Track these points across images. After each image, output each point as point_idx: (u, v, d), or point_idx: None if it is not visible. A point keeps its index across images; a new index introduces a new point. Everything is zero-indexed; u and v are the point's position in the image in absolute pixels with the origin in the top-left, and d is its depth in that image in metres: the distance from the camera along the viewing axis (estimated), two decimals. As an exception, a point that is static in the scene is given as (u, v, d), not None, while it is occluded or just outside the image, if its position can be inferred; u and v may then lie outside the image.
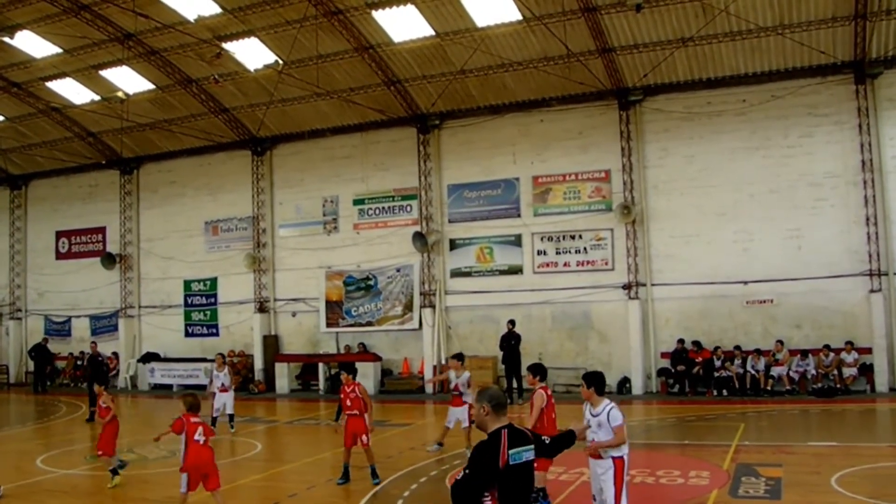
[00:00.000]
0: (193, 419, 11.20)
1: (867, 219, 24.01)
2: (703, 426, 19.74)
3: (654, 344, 26.04)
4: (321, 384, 29.33)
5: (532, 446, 5.90)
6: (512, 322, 25.67)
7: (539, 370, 12.37)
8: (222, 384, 20.39)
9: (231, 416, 20.47)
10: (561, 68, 25.32)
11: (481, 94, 27.66)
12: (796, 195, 24.82)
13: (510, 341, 25.36)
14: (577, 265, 26.96)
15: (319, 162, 30.66)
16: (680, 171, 25.99)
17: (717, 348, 24.85)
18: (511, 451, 5.70)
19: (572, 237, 27.05)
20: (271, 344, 31.19)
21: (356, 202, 30.07)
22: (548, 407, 11.84)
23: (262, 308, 31.39)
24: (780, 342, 24.28)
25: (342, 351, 29.80)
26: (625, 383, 25.96)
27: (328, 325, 30.26)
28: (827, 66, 24.42)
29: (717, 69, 25.31)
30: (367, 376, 28.31)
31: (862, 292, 24.06)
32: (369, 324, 29.66)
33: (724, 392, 24.35)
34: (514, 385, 25.01)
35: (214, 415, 19.83)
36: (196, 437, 11.06)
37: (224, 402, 20.29)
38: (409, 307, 29.01)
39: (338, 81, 27.44)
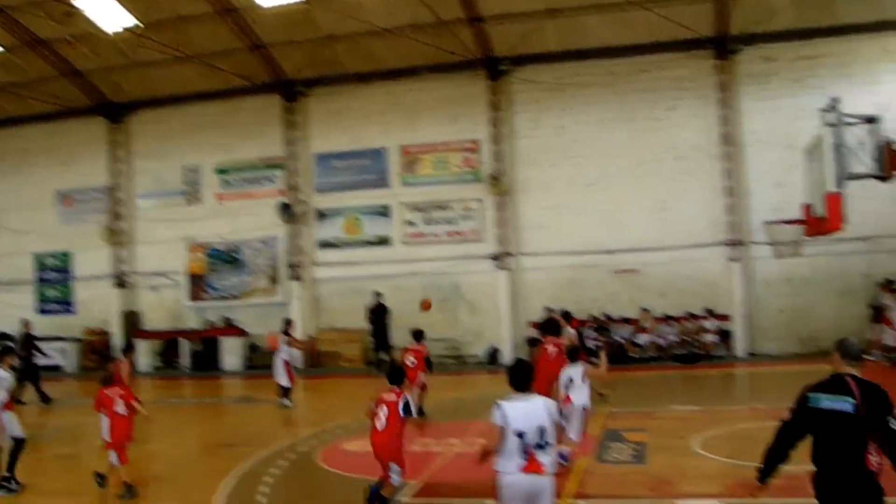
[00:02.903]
0: (109, 392, 11.05)
1: (727, 190, 24.74)
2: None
3: (523, 313, 26.12)
4: (184, 361, 28.23)
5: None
6: (378, 294, 25.21)
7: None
8: None
9: None
10: (430, 36, 24.90)
11: (350, 62, 26.93)
12: (662, 167, 25.32)
13: (378, 313, 24.93)
14: (447, 236, 26.80)
15: (181, 130, 29.20)
16: (549, 142, 26.06)
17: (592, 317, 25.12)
18: None
19: (441, 208, 26.82)
20: (131, 320, 29.78)
21: (219, 172, 28.91)
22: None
23: (120, 283, 29.89)
24: (646, 310, 24.77)
25: (206, 326, 28.71)
26: (495, 353, 25.97)
27: (191, 299, 29.10)
28: (691, 41, 24.85)
29: (586, 41, 25.43)
30: (233, 351, 27.61)
31: (722, 262, 24.82)
32: (234, 297, 28.67)
33: (593, 360, 24.54)
34: (384, 358, 24.60)
35: None
36: (116, 408, 10.92)
37: None
38: (275, 280, 28.19)
39: (200, 45, 26.09)
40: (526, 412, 6.85)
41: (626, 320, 24.85)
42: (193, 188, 29.28)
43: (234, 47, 26.31)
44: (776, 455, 6.35)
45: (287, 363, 19.22)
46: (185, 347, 28.36)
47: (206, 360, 27.99)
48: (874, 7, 23.69)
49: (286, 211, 27.46)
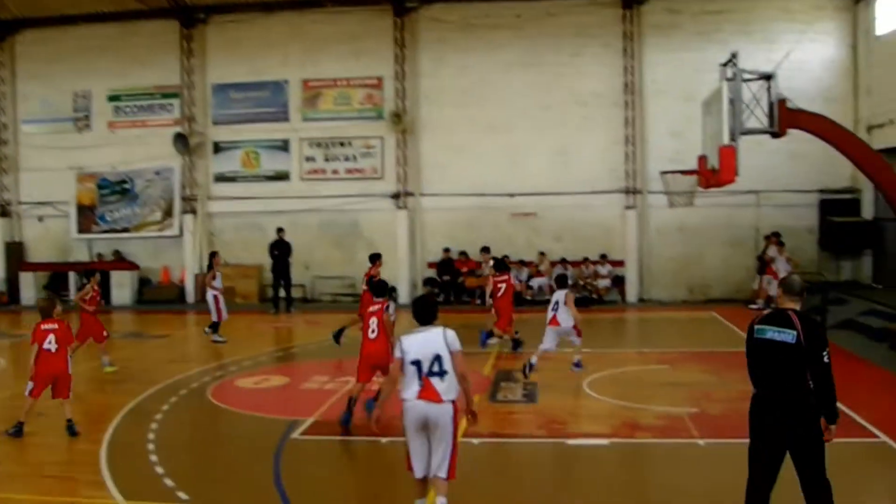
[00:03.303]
0: (44, 326, 10.77)
1: (626, 139, 25.13)
2: (467, 334, 19.79)
3: (421, 254, 26.19)
4: (72, 294, 27.19)
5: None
6: (281, 230, 24.76)
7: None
8: None
9: None
10: (338, -33, 24.41)
11: (252, -10, 26.12)
12: (564, 113, 25.52)
13: (279, 249, 24.52)
14: (346, 173, 26.47)
15: (71, 52, 27.62)
16: (453, 82, 25.88)
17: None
18: None
19: (342, 144, 26.43)
20: (15, 251, 28.47)
21: (111, 98, 27.67)
22: None
23: (3, 212, 28.53)
24: (543, 253, 25.07)
25: (95, 259, 27.71)
26: (392, 292, 25.70)
27: (80, 231, 27.95)
28: (599, -11, 24.99)
29: (495, -18, 25.24)
30: (124, 285, 26.82)
31: (618, 209, 25.26)
32: (126, 230, 27.69)
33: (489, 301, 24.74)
34: (282, 294, 24.24)
35: None
36: (46, 345, 10.65)
37: None
38: (168, 213, 27.32)
39: (94, -37, 25.00)
40: (422, 342, 7.20)
41: (523, 263, 24.99)
42: (84, 115, 27.98)
43: (130, -33, 25.19)
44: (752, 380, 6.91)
45: (216, 298, 18.62)
46: (73, 281, 27.31)
47: (95, 294, 27.04)
48: (777, -33, 24.22)
49: (181, 142, 26.56)
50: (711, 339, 18.47)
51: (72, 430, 10.59)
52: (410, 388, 7.12)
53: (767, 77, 17.14)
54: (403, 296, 25.53)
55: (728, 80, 16.96)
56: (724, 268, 24.93)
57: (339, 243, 26.28)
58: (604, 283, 24.90)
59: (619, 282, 25.03)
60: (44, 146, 28.11)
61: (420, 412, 7.07)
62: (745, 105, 17.07)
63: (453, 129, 25.79)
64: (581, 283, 24.56)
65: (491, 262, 18.66)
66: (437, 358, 7.12)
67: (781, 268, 22.30)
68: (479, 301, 24.69)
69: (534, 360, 13.54)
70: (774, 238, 23.06)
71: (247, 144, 26.97)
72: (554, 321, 13.92)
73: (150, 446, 10.12)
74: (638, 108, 25.21)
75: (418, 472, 7.20)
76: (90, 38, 27.52)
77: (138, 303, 26.83)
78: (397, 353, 7.26)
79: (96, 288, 15.85)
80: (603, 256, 24.98)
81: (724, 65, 17.28)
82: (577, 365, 14.20)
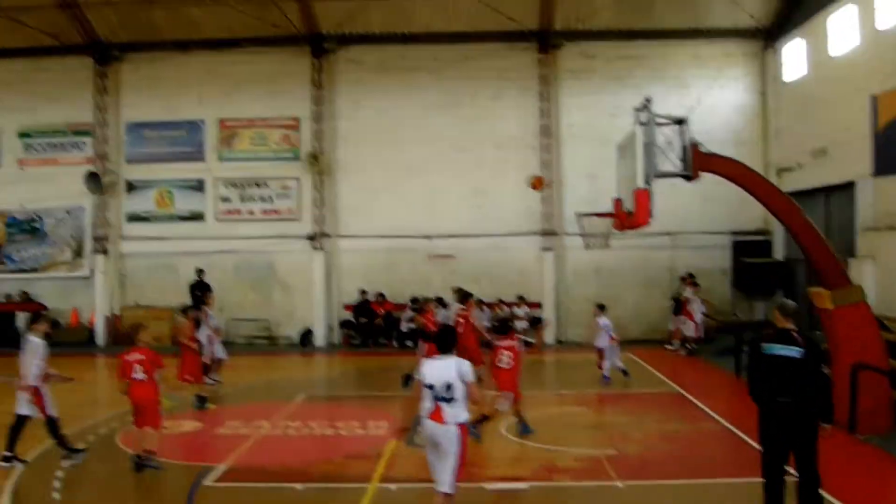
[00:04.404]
0: (131, 356, 10.98)
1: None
2: (384, 377, 19.74)
3: (337, 295, 26.00)
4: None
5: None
6: (201, 271, 24.31)
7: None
8: None
9: None
10: (255, 8, 24.45)
11: (168, 28, 25.74)
12: (481, 155, 25.69)
13: (200, 290, 24.01)
14: (263, 214, 26.23)
15: (-21, 88, 27.12)
16: (371, 123, 25.86)
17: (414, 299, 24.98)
18: None
19: (258, 185, 26.19)
20: (-84, 291, 27.51)
21: (21, 135, 26.95)
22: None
23: None
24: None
25: (2, 300, 26.86)
26: (308, 335, 25.63)
27: (-15, 270, 27.14)
28: (515, 33, 25.46)
29: (413, 25, 25.50)
30: (31, 328, 25.84)
31: (535, 250, 25.43)
32: (34, 270, 26.90)
33: (408, 343, 24.56)
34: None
35: None
36: (134, 374, 10.85)
37: None
38: (79, 253, 26.67)
39: (3, -3, 24.46)
40: (438, 369, 8.17)
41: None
42: (-8, 152, 27.27)
43: (42, 3, 24.59)
44: (756, 388, 8.23)
45: (210, 337, 17.43)
46: (-24, 321, 26.42)
47: (1, 336, 26.19)
48: (688, 15, 24.91)
49: (94, 180, 25.96)
50: (629, 380, 18.54)
51: (138, 466, 10.64)
52: (426, 409, 8.13)
53: (680, 122, 17.29)
54: (319, 339, 25.33)
55: (642, 124, 17.13)
56: (640, 308, 25.16)
57: (255, 285, 25.92)
58: (521, 324, 24.81)
59: (536, 323, 25.03)
60: (-50, 183, 27.25)
61: (430, 431, 8.10)
62: (658, 148, 17.20)
63: (370, 170, 25.75)
64: (497, 324, 24.45)
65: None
66: (449, 386, 8.05)
67: (696, 308, 22.59)
68: (394, 343, 24.56)
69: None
70: (689, 279, 23.34)
71: (161, 184, 26.50)
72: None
73: (56, 496, 9.85)
74: (554, 150, 25.50)
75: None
76: None
77: (48, 345, 25.87)
78: (417, 375, 8.46)
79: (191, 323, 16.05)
80: (521, 298, 24.98)
81: (639, 109, 17.49)
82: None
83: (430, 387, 8.10)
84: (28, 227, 26.95)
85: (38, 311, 12.81)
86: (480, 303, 24.56)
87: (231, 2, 24.26)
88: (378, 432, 13.30)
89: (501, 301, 24.77)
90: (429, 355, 10.83)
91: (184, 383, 15.37)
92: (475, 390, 8.21)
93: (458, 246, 25.38)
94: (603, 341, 18.14)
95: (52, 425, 11.42)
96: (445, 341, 8.43)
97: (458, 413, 8.06)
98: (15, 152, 27.05)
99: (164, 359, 11.41)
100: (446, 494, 8.08)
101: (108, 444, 12.69)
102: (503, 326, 13.66)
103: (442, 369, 8.16)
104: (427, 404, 8.12)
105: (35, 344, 11.47)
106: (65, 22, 25.30)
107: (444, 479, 8.06)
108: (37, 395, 11.34)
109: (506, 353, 12.68)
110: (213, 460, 11.36)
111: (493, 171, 25.59)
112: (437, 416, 8.04)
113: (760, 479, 8.16)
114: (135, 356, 10.92)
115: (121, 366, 10.96)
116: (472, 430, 11.56)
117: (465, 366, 8.18)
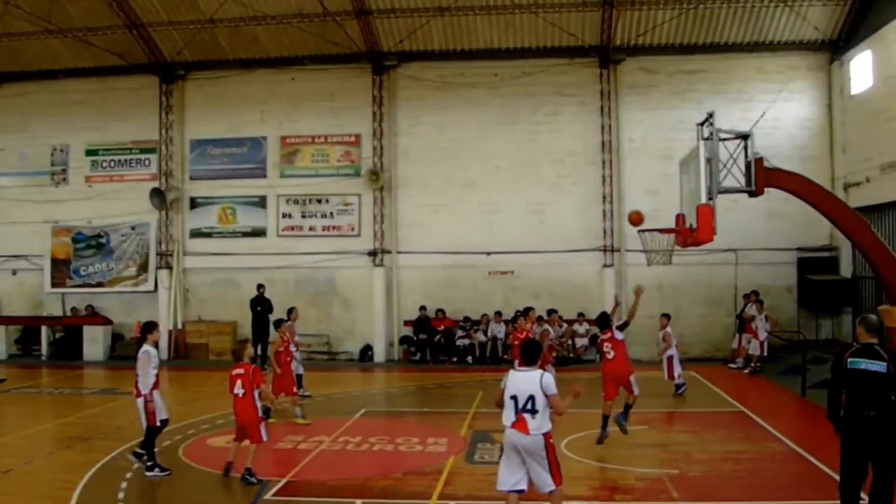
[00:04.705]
0: (234, 371, 11.36)
1: (603, 197, 25.17)
2: (443, 394, 19.77)
3: (397, 312, 25.97)
4: (44, 349, 26.90)
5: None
6: (262, 286, 24.58)
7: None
8: None
9: None
10: (316, 27, 24.69)
11: (231, 47, 26.20)
12: (541, 171, 25.57)
13: (261, 305, 24.29)
14: (323, 230, 26.36)
15: (49, 106, 27.67)
16: (430, 139, 25.93)
17: (465, 318, 25.09)
18: None
19: (319, 201, 26.38)
20: (-13, 304, 28.23)
21: (89, 153, 27.62)
22: None
23: (-23, 265, 28.29)
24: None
25: (69, 313, 27.44)
26: (367, 350, 25.71)
27: (54, 285, 27.69)
28: (575, 49, 25.25)
29: (472, 41, 25.51)
30: (97, 341, 26.44)
31: (595, 267, 25.16)
32: (100, 284, 27.45)
33: (468, 360, 24.54)
34: (259, 352, 23.91)
35: None
36: (235, 390, 11.23)
37: None
38: (143, 268, 27.12)
39: (73, 19, 25.05)
40: (521, 381, 8.40)
41: (504, 321, 24.78)
42: (61, 168, 27.90)
43: (110, 24, 25.28)
44: (835, 406, 8.40)
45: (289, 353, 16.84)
46: (45, 335, 27.02)
47: (67, 349, 26.80)
48: (751, 28, 24.52)
49: (158, 197, 26.43)
50: (691, 398, 18.29)
51: (247, 480, 10.78)
52: (508, 417, 8.35)
53: (744, 136, 17.13)
54: (379, 354, 25.39)
55: (705, 139, 16.94)
56: (703, 326, 24.80)
57: (315, 301, 26.03)
58: (581, 342, 24.70)
59: (597, 340, 24.75)
60: (20, 199, 27.94)
61: (513, 440, 8.27)
62: (722, 164, 17.03)
63: (430, 186, 25.81)
64: (557, 342, 24.34)
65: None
66: (531, 398, 8.25)
67: (761, 326, 22.19)
68: (454, 360, 24.52)
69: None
70: (753, 296, 22.95)
71: (223, 200, 26.88)
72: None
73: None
74: (615, 166, 25.28)
75: (500, 485, 8.44)
76: (69, 92, 27.64)
77: (111, 358, 26.41)
78: (501, 384, 8.58)
79: (285, 339, 16.28)
80: (580, 315, 24.77)
81: (701, 124, 17.28)
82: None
83: (514, 398, 8.32)
84: (94, 243, 27.51)
85: (151, 321, 12.92)
86: (541, 319, 24.56)
87: (293, 21, 24.57)
88: (437, 448, 13.28)
89: (560, 318, 24.56)
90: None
91: (277, 397, 15.60)
92: (558, 402, 8.33)
93: (518, 262, 25.24)
94: (671, 350, 18.52)
95: (153, 434, 11.62)
96: (530, 354, 8.63)
97: (541, 424, 8.25)
98: (83, 169, 27.73)
99: (219, 372, 11.61)
100: (551, 492, 8.32)
101: (171, 455, 12.82)
102: (603, 320, 14.72)
103: (526, 381, 8.36)
104: (510, 414, 8.32)
105: (150, 353, 11.72)
106: (131, 42, 25.86)
107: (544, 480, 8.28)
108: (148, 403, 11.57)
109: (606, 345, 14.07)
110: (273, 475, 11.43)
111: (552, 186, 25.48)
112: (521, 426, 8.23)
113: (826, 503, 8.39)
114: (237, 371, 11.26)
115: (229, 380, 11.38)
116: (622, 422, 13.31)
117: (548, 378, 8.37)
